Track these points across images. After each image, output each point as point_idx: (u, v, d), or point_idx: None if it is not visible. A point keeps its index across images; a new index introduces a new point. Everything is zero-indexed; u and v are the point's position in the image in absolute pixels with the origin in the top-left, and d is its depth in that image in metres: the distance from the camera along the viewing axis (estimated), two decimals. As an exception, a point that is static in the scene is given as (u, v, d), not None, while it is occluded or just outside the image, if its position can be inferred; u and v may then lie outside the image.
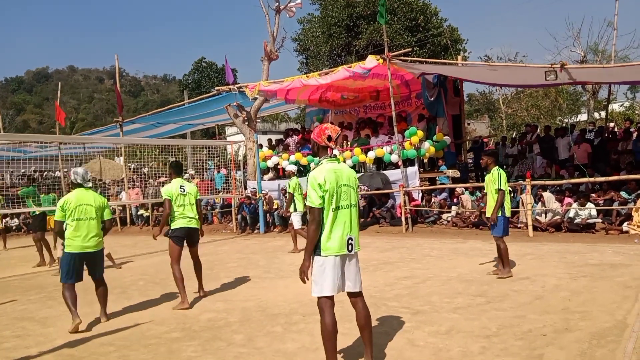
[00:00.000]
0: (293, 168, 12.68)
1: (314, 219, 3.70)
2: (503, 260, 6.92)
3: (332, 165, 3.81)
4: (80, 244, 5.64)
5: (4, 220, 17.77)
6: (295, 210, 10.79)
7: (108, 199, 19.16)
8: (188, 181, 7.59)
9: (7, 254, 13.76)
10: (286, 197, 11.72)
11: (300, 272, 3.73)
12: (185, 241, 6.59)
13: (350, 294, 3.91)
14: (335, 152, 4.36)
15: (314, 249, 3.74)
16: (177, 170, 6.87)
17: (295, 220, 10.81)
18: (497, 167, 7.03)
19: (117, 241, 14.54)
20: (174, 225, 6.48)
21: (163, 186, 19.52)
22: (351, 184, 3.87)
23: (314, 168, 3.90)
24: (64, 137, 20.55)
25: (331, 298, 3.76)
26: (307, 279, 3.76)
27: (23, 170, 24.06)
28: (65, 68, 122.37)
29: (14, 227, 19.76)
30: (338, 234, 3.74)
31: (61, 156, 18.53)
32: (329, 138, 3.84)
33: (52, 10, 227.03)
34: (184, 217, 6.51)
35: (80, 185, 5.80)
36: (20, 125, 69.43)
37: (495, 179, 6.84)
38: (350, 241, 3.78)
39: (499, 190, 6.79)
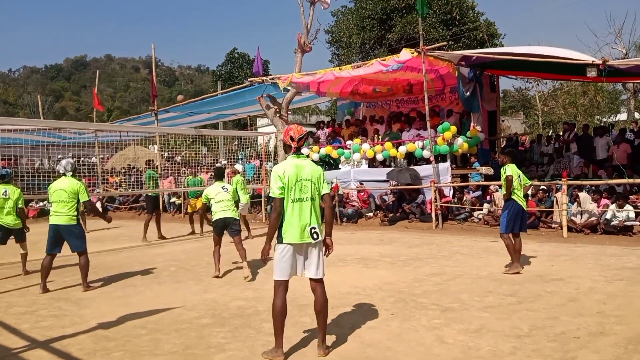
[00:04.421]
0: (240, 168, 13.56)
1: (275, 208, 4.10)
2: (511, 256, 7.06)
3: (295, 160, 4.19)
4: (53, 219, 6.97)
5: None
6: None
7: (141, 187, 19.73)
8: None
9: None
10: None
11: (261, 254, 4.16)
12: (225, 231, 7.71)
13: (311, 280, 4.26)
14: (305, 150, 4.88)
15: (276, 236, 4.13)
16: (218, 176, 8.08)
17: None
18: (511, 164, 7.21)
19: (150, 228, 14.80)
20: (214, 217, 7.71)
21: (195, 175, 19.58)
22: (313, 179, 4.18)
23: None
24: (100, 125, 21.03)
25: (285, 282, 4.15)
26: (266, 261, 4.27)
27: (60, 156, 24.79)
28: (102, 56, 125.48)
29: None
30: (298, 224, 4.07)
31: (98, 143, 19.02)
32: (292, 138, 4.23)
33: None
34: (223, 210, 7.67)
35: (63, 175, 7.08)
36: (59, 112, 71.52)
37: (502, 174, 7.19)
38: (313, 230, 4.12)
39: (506, 177, 7.06)
